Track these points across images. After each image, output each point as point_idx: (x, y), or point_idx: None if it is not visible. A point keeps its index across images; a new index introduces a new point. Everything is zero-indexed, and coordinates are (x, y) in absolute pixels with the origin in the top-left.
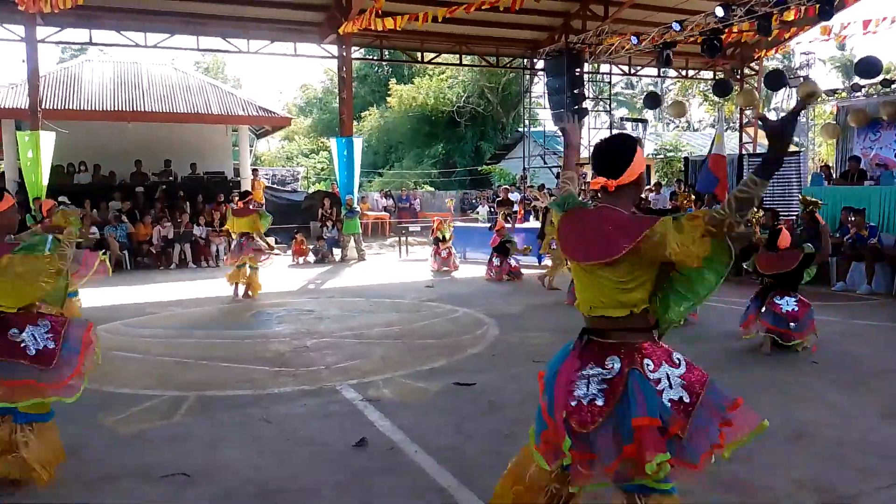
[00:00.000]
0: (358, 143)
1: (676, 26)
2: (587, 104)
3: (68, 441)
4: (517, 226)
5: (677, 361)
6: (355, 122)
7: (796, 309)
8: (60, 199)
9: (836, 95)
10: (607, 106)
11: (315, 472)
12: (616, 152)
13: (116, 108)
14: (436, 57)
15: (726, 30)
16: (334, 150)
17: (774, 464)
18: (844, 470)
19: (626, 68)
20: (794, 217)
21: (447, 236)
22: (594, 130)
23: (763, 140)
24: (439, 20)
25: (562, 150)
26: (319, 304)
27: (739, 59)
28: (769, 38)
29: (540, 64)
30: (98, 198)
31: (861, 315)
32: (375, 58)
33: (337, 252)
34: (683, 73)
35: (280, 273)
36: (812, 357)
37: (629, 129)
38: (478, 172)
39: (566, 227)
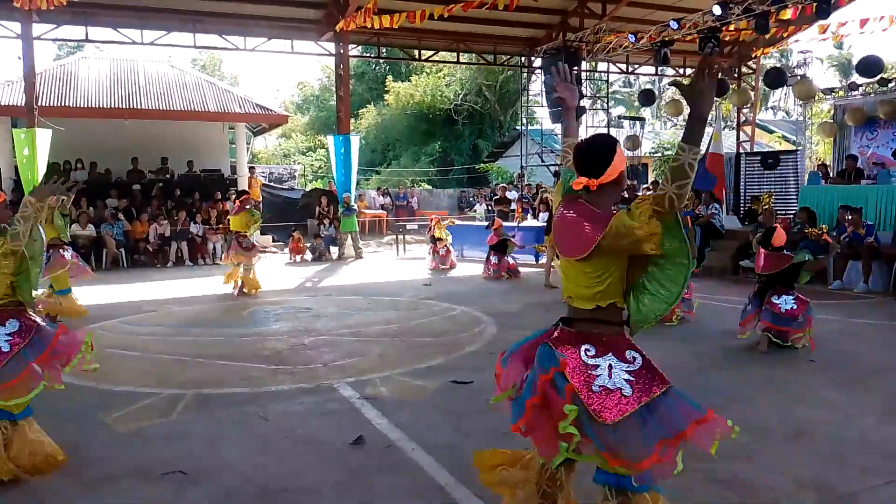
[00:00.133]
0: (355, 141)
1: (674, 24)
2: (584, 102)
3: (67, 439)
4: (513, 223)
5: (631, 359)
6: (352, 120)
7: (795, 307)
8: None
9: (834, 94)
10: (605, 104)
11: (314, 470)
12: (597, 152)
13: (113, 106)
14: (433, 55)
15: (724, 28)
16: (331, 148)
17: (774, 462)
18: (844, 468)
19: (623, 66)
20: (791, 216)
21: (443, 237)
22: (591, 129)
23: (760, 138)
24: (436, 18)
25: (561, 149)
26: (317, 302)
27: (737, 57)
28: (767, 37)
29: (538, 62)
30: (94, 195)
31: (858, 313)
32: (373, 55)
33: (334, 250)
34: (681, 71)
35: (277, 271)
36: (810, 355)
37: (627, 127)
38: (475, 170)
39: (557, 221)
